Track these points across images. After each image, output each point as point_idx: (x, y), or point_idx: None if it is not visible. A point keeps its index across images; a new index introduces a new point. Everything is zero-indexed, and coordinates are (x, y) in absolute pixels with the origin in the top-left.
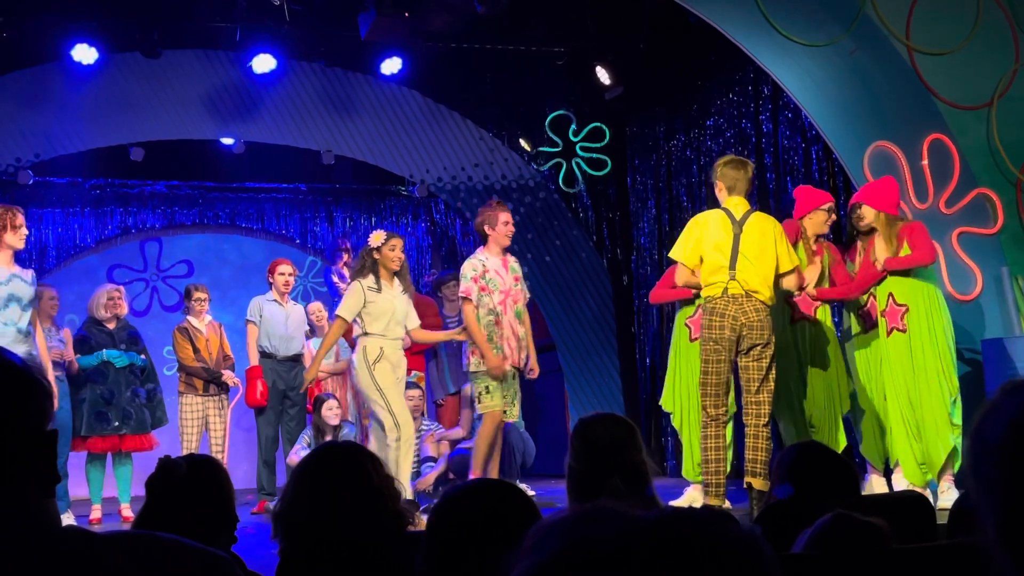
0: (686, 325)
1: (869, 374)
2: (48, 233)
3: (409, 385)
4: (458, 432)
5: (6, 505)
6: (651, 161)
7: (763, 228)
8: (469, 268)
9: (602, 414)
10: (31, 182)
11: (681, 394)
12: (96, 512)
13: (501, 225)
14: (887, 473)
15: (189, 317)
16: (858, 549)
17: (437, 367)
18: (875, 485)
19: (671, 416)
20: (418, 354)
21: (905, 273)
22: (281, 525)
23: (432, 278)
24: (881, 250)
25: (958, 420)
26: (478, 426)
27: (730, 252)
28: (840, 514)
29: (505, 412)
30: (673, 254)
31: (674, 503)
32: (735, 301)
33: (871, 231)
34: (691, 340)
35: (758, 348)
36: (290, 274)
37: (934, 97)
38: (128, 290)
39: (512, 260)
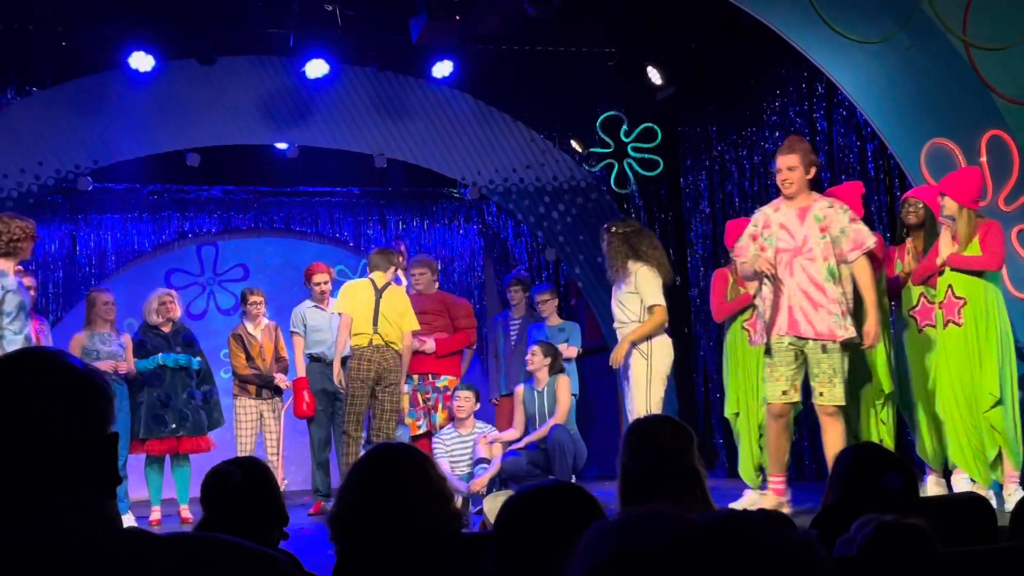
0: (744, 328)
1: (925, 374)
2: (107, 238)
3: (462, 387)
4: (511, 434)
5: (70, 506)
6: (704, 161)
7: (395, 296)
8: (751, 224)
9: (661, 416)
10: (90, 188)
11: (741, 398)
12: (156, 513)
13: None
14: (946, 474)
15: (245, 322)
16: (902, 552)
17: (496, 367)
18: (933, 487)
19: (732, 419)
20: (454, 355)
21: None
22: (336, 526)
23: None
24: (946, 245)
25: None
26: (532, 430)
27: (372, 313)
28: (879, 520)
29: (785, 393)
30: (338, 308)
31: (733, 505)
32: (378, 350)
33: (920, 226)
34: (750, 344)
35: (392, 385)
36: (326, 282)
37: (992, 93)
38: (185, 294)
39: (819, 207)
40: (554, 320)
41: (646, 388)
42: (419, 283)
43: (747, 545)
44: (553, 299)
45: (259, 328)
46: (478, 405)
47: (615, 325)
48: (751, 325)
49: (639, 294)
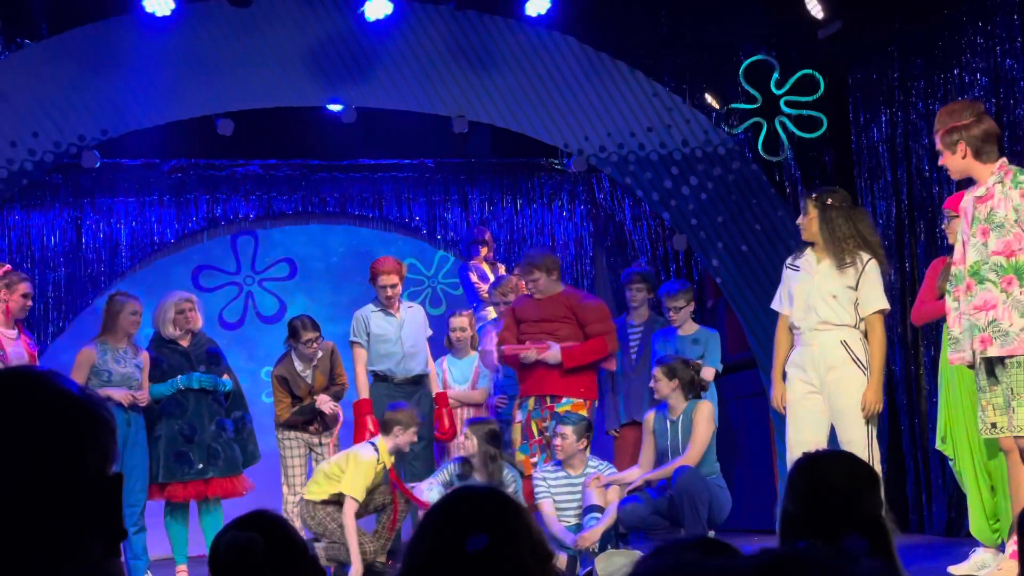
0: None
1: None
2: (119, 228)
3: (566, 418)
4: (633, 473)
5: (61, 567)
6: (881, 118)
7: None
8: None
9: (837, 451)
10: (98, 165)
11: (957, 429)
12: (181, 574)
13: None
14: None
15: (294, 358)
16: None
17: (611, 388)
18: None
19: (949, 459)
20: (586, 370)
21: None
22: None
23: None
24: None
25: None
26: (666, 463)
27: None
28: None
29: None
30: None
31: (955, 569)
32: None
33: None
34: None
35: None
36: (394, 285)
37: None
38: (217, 297)
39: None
40: (688, 328)
41: (866, 416)
42: (536, 292)
43: None
44: (689, 304)
45: (311, 365)
46: (585, 442)
47: (815, 325)
48: None
49: (859, 293)
